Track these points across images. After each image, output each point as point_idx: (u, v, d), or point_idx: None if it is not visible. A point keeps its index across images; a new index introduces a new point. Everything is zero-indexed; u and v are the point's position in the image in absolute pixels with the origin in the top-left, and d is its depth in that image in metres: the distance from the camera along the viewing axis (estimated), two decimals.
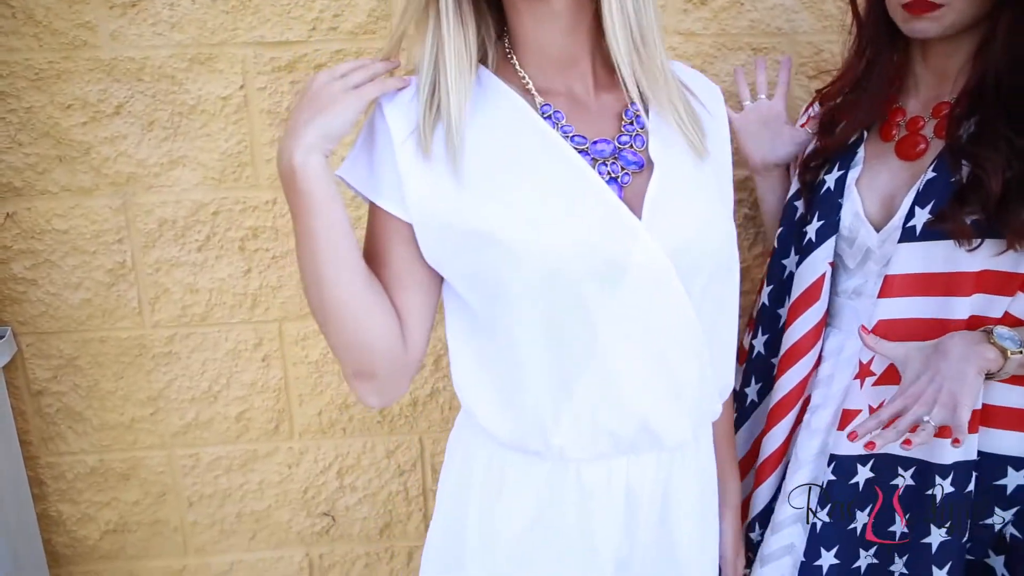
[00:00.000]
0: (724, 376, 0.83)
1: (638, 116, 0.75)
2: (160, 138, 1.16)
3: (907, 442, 0.84)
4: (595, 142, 0.73)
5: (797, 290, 1.03)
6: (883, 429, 0.87)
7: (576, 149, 0.71)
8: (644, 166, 0.73)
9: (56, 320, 1.23)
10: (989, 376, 0.86)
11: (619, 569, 0.82)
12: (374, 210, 0.74)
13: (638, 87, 0.72)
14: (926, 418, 0.83)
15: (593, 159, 0.72)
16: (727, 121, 0.86)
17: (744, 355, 1.17)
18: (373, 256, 0.74)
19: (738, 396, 1.19)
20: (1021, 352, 0.84)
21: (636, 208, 0.70)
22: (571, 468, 0.76)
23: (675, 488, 0.81)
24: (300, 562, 1.39)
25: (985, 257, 0.86)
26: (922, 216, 0.89)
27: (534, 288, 0.69)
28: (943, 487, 0.92)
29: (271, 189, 1.20)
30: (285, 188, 0.69)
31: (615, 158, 0.73)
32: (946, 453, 0.92)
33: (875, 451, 0.97)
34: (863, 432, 0.87)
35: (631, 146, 0.74)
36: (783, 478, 1.07)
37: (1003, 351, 0.84)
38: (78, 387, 1.26)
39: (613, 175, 0.72)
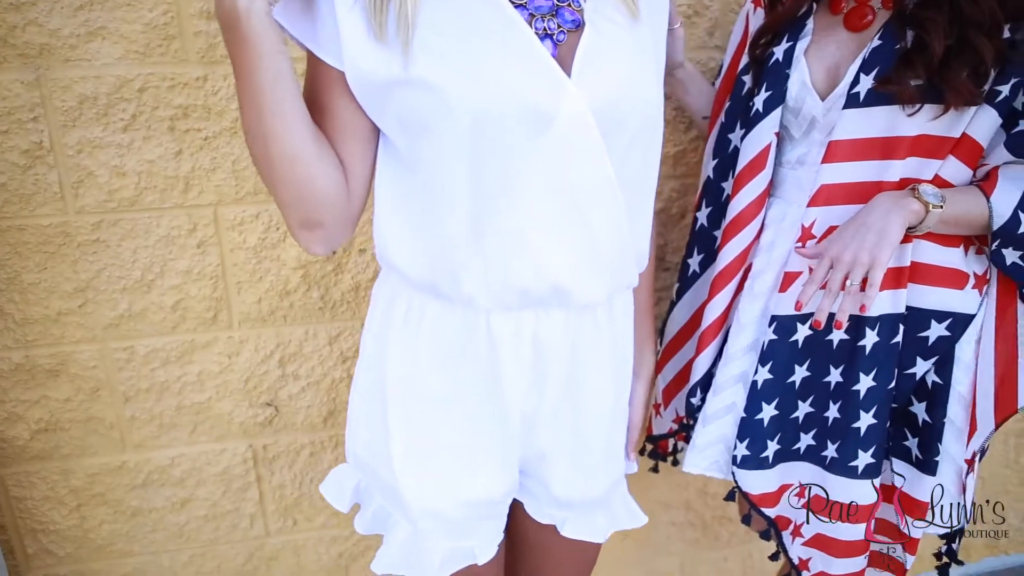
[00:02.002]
0: (641, 245, 0.86)
1: None
2: (74, 6, 1.08)
3: (862, 308, 0.91)
4: None
5: (742, 161, 1.07)
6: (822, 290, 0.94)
7: (514, 3, 0.72)
8: (580, 25, 0.75)
9: None
10: (910, 230, 0.94)
11: (526, 424, 0.86)
12: (313, 60, 0.74)
13: None
14: (848, 282, 0.91)
15: (531, 14, 0.73)
16: None
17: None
18: (314, 106, 0.74)
19: (681, 267, 1.24)
20: (941, 207, 0.91)
21: (567, 65, 0.72)
22: (481, 317, 0.79)
23: (586, 348, 0.84)
24: (244, 454, 1.38)
25: (923, 121, 0.92)
26: (866, 82, 0.93)
27: (460, 133, 0.70)
28: (871, 338, 1.00)
29: (202, 64, 1.14)
30: (227, 36, 0.67)
31: (553, 15, 0.74)
32: (880, 304, 1.00)
33: (812, 310, 1.04)
34: (807, 299, 0.94)
35: (569, 4, 0.75)
36: (724, 343, 1.14)
37: (925, 204, 0.91)
38: None
39: (549, 32, 0.73)
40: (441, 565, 0.87)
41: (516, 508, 0.98)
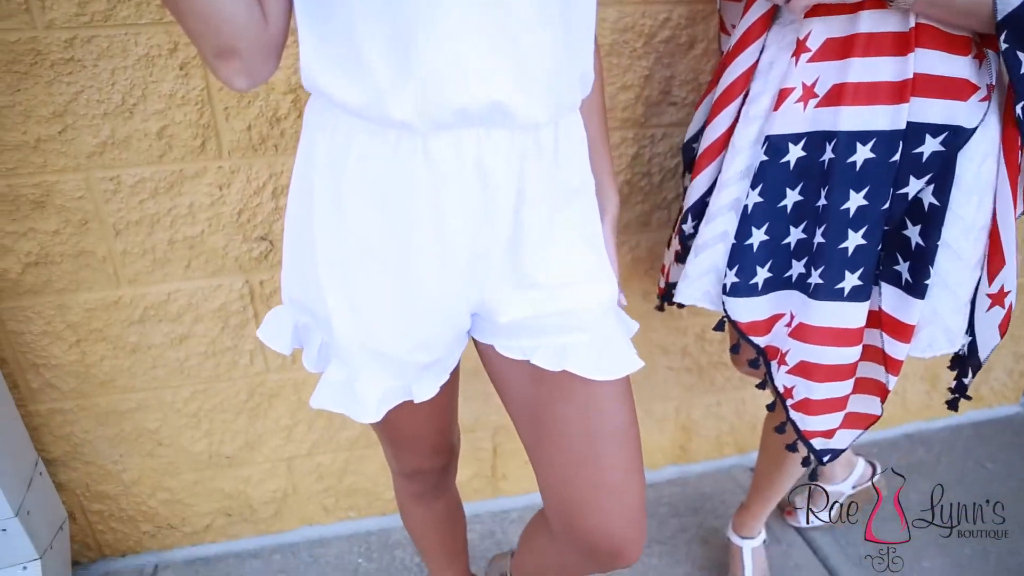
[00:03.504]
0: (582, 61, 0.77)
1: None
2: None
3: None
4: None
5: None
6: None
7: None
8: None
9: None
10: (888, 3, 0.89)
11: (478, 263, 0.78)
12: None
13: None
14: None
15: None
16: None
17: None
18: None
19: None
20: None
21: None
22: (417, 141, 0.70)
23: (531, 177, 0.75)
24: (240, 289, 1.37)
25: None
26: None
27: None
28: (862, 154, 0.97)
29: None
30: None
31: None
32: (877, 120, 0.95)
33: (806, 130, 1.00)
34: None
35: None
36: (720, 171, 1.10)
37: None
38: None
39: None
40: (378, 403, 0.83)
41: (495, 365, 0.90)
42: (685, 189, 1.28)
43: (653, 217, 1.52)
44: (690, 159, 1.25)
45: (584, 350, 0.82)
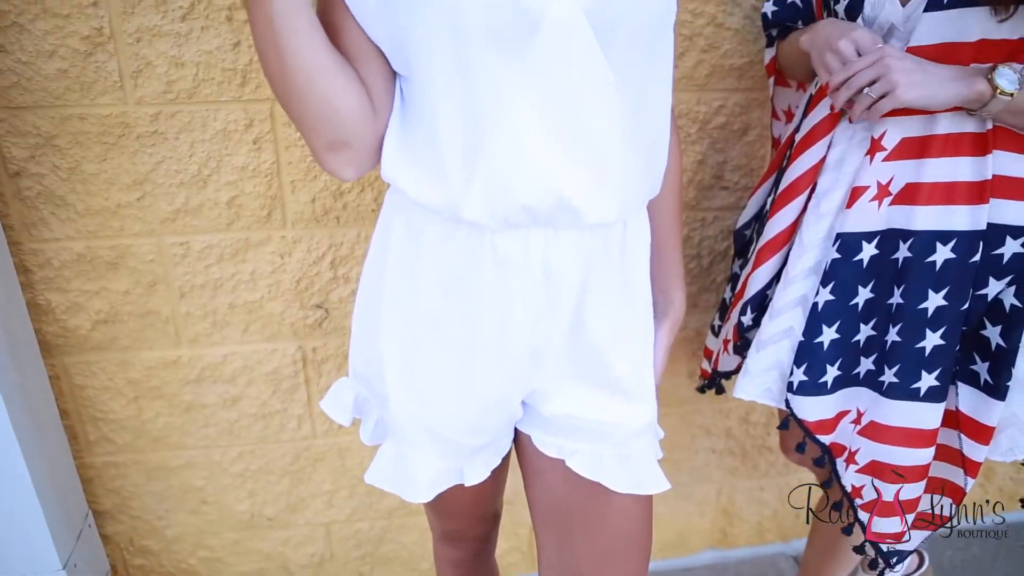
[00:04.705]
0: (656, 157, 0.77)
1: None
2: None
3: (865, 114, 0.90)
4: None
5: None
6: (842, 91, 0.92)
7: None
8: None
9: (31, 93, 1.16)
10: (972, 112, 0.90)
11: (536, 358, 0.80)
12: None
13: None
14: (867, 90, 0.88)
15: None
16: None
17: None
18: (328, 27, 0.71)
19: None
20: (1012, 96, 0.86)
21: None
22: (486, 238, 0.73)
23: (595, 276, 0.76)
24: (293, 355, 1.41)
25: (1016, 25, 0.86)
26: None
27: (440, 45, 0.65)
28: (942, 254, 0.96)
29: None
30: None
31: None
32: (957, 220, 0.95)
33: (880, 228, 1.00)
34: (838, 78, 0.92)
35: None
36: (783, 264, 1.10)
37: (993, 88, 0.86)
38: (59, 169, 1.21)
39: None
40: (429, 485, 0.85)
41: (529, 455, 0.91)
42: (735, 275, 1.28)
43: (701, 299, 1.52)
44: (742, 245, 1.26)
45: (619, 463, 0.83)
